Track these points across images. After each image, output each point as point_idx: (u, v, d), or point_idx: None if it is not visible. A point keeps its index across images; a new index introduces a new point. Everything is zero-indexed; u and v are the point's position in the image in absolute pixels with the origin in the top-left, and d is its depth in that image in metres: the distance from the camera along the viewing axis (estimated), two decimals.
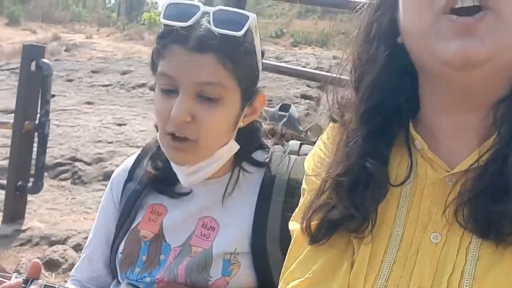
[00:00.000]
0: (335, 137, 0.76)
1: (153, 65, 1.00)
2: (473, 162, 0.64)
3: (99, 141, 5.21)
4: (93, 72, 7.85)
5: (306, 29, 13.22)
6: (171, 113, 0.95)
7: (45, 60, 3.27)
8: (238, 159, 1.06)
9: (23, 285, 0.98)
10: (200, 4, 0.99)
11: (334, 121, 0.77)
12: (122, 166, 1.17)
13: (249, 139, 1.07)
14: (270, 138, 1.12)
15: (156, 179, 1.08)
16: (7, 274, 1.00)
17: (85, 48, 10.49)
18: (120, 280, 1.08)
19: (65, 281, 1.19)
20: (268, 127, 1.14)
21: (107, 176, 4.18)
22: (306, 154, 1.07)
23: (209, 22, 0.95)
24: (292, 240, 0.77)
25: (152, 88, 5.71)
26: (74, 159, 4.83)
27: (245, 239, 1.01)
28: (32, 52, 3.30)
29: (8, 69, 7.87)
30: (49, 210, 3.96)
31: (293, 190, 1.00)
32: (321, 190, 0.72)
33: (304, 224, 0.72)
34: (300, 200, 0.80)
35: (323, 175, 0.73)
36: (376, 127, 0.70)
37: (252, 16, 0.97)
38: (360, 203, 0.68)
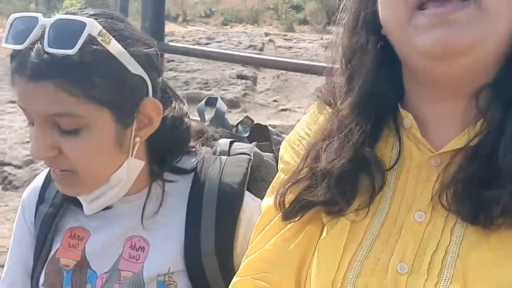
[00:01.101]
0: (321, 124, 0.75)
1: None
2: (462, 146, 0.64)
3: (28, 142, 4.93)
4: None
5: (235, 7, 13.03)
6: (30, 150, 0.83)
7: None
8: (156, 171, 0.95)
9: None
10: (40, 16, 0.82)
11: (329, 104, 0.76)
12: (31, 186, 1.04)
13: (167, 147, 0.95)
14: (198, 139, 1.02)
15: (71, 197, 0.95)
16: None
17: None
18: None
19: None
20: (195, 128, 1.04)
21: None
22: (237, 154, 0.98)
23: (42, 42, 0.78)
24: (260, 215, 0.77)
25: None
26: (3, 164, 4.59)
27: (178, 256, 0.91)
28: None
29: None
30: None
31: (225, 195, 0.92)
32: (299, 169, 0.72)
33: (278, 200, 0.72)
34: (276, 177, 0.79)
35: (307, 160, 0.72)
36: (370, 116, 0.70)
37: (89, 22, 0.79)
38: (351, 191, 0.68)
